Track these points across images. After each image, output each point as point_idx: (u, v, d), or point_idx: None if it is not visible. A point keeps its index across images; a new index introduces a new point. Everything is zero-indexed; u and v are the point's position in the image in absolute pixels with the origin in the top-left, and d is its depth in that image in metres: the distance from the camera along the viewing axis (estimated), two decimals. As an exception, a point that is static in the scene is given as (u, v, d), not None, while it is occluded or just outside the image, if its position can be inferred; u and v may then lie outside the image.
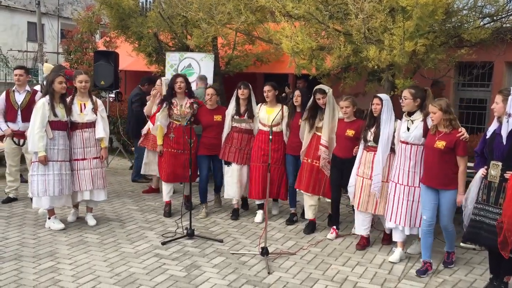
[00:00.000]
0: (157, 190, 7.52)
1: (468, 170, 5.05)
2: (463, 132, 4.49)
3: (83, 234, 5.56)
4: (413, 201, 4.89)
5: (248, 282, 4.42)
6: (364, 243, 5.36)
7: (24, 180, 7.26)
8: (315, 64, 6.14)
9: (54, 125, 5.57)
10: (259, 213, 6.29)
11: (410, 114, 4.88)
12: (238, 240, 5.53)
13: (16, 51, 24.44)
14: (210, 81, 8.06)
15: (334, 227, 5.72)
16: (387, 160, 5.11)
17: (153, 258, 4.90)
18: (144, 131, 7.60)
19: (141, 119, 7.91)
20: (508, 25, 6.54)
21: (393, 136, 5.05)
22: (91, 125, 5.82)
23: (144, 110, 7.61)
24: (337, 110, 5.62)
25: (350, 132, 5.42)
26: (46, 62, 14.08)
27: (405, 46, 5.16)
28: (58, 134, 5.60)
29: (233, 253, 5.10)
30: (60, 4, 27.76)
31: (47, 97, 5.56)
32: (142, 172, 7.80)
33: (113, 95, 12.76)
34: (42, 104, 5.50)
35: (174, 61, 8.39)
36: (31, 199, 5.79)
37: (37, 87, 7.30)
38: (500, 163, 4.00)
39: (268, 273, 4.62)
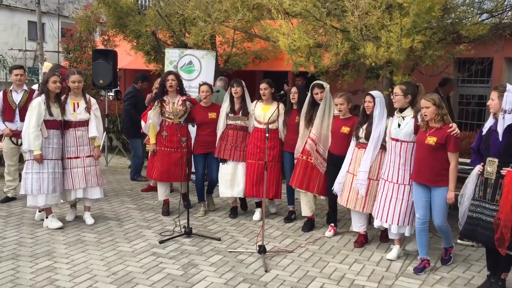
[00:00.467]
0: (156, 189, 7.50)
1: (465, 167, 5.05)
2: (454, 128, 4.46)
3: (81, 233, 5.56)
4: (402, 199, 4.83)
5: (245, 280, 4.41)
6: (361, 241, 5.35)
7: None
8: (312, 61, 6.12)
9: (49, 124, 5.59)
10: (257, 211, 6.28)
11: (401, 110, 4.85)
12: (236, 238, 5.52)
13: (16, 50, 24.46)
14: (211, 79, 8.06)
15: (332, 224, 5.71)
16: (378, 158, 5.08)
17: (150, 257, 4.89)
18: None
19: (134, 117, 7.98)
20: (506, 20, 6.51)
21: (385, 134, 5.02)
22: (84, 123, 5.83)
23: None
24: (333, 107, 5.60)
25: (345, 129, 5.40)
26: (45, 61, 14.06)
27: (402, 43, 5.13)
28: (53, 133, 5.63)
29: (230, 252, 5.10)
30: (60, 3, 27.76)
31: (43, 96, 5.57)
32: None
33: (112, 94, 12.77)
34: (38, 103, 5.50)
35: (174, 58, 8.36)
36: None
37: (35, 86, 7.30)
38: (496, 160, 3.98)
39: (265, 271, 4.61)
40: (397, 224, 4.87)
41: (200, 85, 6.33)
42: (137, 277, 4.42)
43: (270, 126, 5.83)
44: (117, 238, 5.44)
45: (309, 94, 5.72)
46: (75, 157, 5.79)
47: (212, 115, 6.23)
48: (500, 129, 3.90)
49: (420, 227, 4.69)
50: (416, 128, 4.71)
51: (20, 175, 7.17)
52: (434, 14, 5.09)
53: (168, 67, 8.33)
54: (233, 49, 9.07)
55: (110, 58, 9.16)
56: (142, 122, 6.40)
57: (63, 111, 5.70)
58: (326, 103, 5.60)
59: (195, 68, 8.26)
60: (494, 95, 4.01)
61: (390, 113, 5.14)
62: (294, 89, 6.01)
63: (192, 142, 6.46)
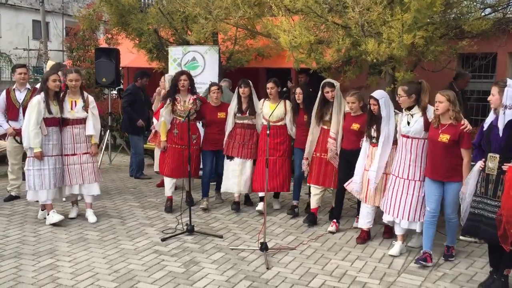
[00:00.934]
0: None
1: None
2: (466, 125, 4.48)
3: (83, 231, 5.58)
4: (412, 195, 4.86)
5: (247, 277, 4.41)
6: (364, 237, 5.35)
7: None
8: (314, 58, 6.10)
9: (49, 121, 5.66)
10: (261, 204, 6.31)
11: (409, 108, 4.86)
12: (238, 236, 5.52)
13: (21, 49, 24.56)
14: (215, 74, 8.06)
15: (335, 220, 5.71)
16: (393, 154, 5.11)
17: (152, 255, 4.90)
18: (153, 128, 7.65)
19: (131, 115, 8.10)
20: (510, 15, 6.46)
21: (395, 130, 5.05)
22: (82, 121, 5.88)
23: (153, 108, 7.71)
24: (343, 104, 5.69)
25: (355, 126, 5.48)
26: (49, 60, 14.11)
27: (403, 38, 5.11)
28: (52, 130, 5.70)
29: (232, 249, 5.10)
30: (65, 2, 27.85)
31: (42, 94, 5.61)
32: (154, 169, 7.91)
33: (115, 92, 12.80)
34: (37, 102, 5.55)
35: (177, 55, 8.35)
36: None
37: (38, 85, 7.32)
38: (497, 155, 3.95)
39: (267, 268, 4.61)
40: (408, 220, 4.89)
41: (210, 85, 6.53)
42: (139, 274, 4.43)
43: (279, 123, 6.18)
44: (120, 236, 5.45)
45: (319, 92, 5.79)
46: (72, 154, 5.85)
47: (221, 114, 6.43)
48: (500, 125, 3.88)
49: (429, 220, 4.71)
50: (426, 125, 4.73)
51: (23, 173, 7.23)
52: (435, 9, 5.06)
53: (172, 65, 8.32)
54: (235, 47, 9.05)
55: (113, 57, 9.16)
56: (154, 120, 6.60)
57: (61, 109, 5.73)
58: (337, 100, 5.69)
59: (199, 64, 8.26)
60: (494, 90, 3.99)
61: (397, 109, 5.16)
62: (298, 90, 6.13)
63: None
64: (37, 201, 5.81)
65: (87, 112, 5.87)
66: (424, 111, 4.77)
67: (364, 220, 5.36)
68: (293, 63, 6.37)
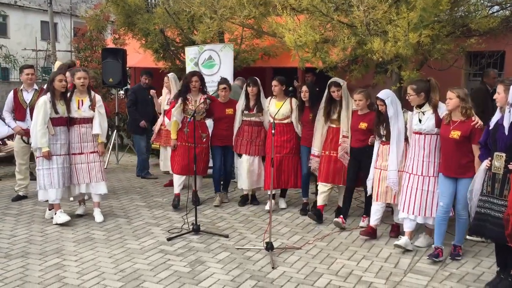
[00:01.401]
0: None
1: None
2: (477, 121, 4.48)
3: (90, 231, 5.61)
4: (427, 190, 4.89)
5: (252, 277, 4.41)
6: (369, 231, 5.36)
7: (34, 178, 7.32)
8: (319, 57, 6.09)
9: (56, 121, 5.70)
10: (269, 202, 6.32)
11: (420, 106, 4.87)
12: (244, 235, 5.52)
13: (30, 50, 24.72)
14: (230, 72, 8.10)
15: (342, 216, 5.72)
16: (405, 151, 5.14)
17: (158, 254, 4.91)
18: (156, 128, 7.69)
19: (133, 114, 8.19)
20: (517, 13, 6.41)
21: (405, 128, 5.07)
22: (89, 120, 5.91)
23: (156, 108, 7.73)
24: (351, 103, 5.72)
25: (363, 125, 5.52)
26: (56, 60, 14.19)
27: (409, 37, 5.08)
28: (60, 129, 5.75)
29: (238, 248, 5.10)
30: (73, 3, 27.99)
31: (48, 94, 5.65)
32: (161, 169, 7.97)
33: (122, 92, 12.85)
34: (43, 102, 5.59)
35: (194, 55, 8.36)
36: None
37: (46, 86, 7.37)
38: (503, 154, 3.92)
39: (272, 268, 4.60)
40: (424, 215, 4.91)
41: (219, 83, 6.63)
42: (144, 274, 4.44)
43: (285, 120, 6.26)
44: (126, 235, 5.47)
45: (326, 91, 5.82)
46: (79, 153, 5.88)
47: (229, 111, 6.56)
48: (506, 123, 3.85)
49: (441, 215, 4.72)
50: (438, 122, 4.75)
51: (31, 173, 7.30)
52: (441, 7, 5.04)
53: (189, 65, 8.33)
54: (241, 46, 9.05)
55: (119, 57, 9.20)
56: (166, 119, 6.80)
57: (68, 108, 5.76)
58: (345, 99, 5.73)
59: (215, 63, 8.27)
60: (500, 88, 3.96)
61: (405, 107, 5.16)
62: (304, 88, 6.17)
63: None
64: (47, 200, 5.83)
65: (94, 111, 5.90)
66: (435, 109, 4.78)
67: (373, 217, 5.37)
68: (298, 63, 6.36)
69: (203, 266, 4.64)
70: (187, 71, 8.27)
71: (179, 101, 6.41)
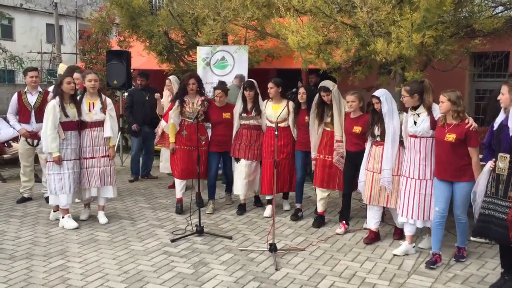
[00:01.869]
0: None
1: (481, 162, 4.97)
2: (471, 123, 4.42)
3: (94, 232, 5.62)
4: (425, 194, 4.83)
5: (255, 278, 4.41)
6: (372, 237, 5.32)
7: (38, 180, 7.37)
8: (323, 58, 6.08)
9: (66, 125, 5.66)
10: (268, 208, 6.30)
11: (415, 108, 4.83)
12: (247, 237, 5.52)
13: (35, 52, 24.84)
14: (245, 73, 8.07)
15: (344, 222, 5.68)
16: (398, 154, 5.08)
17: (161, 256, 4.92)
18: (159, 131, 7.70)
19: (128, 116, 8.26)
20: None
21: (401, 130, 5.01)
22: (100, 124, 5.89)
23: (157, 111, 7.76)
24: (343, 106, 5.61)
25: (357, 129, 5.43)
26: (61, 62, 14.27)
27: (412, 38, 5.07)
28: (71, 134, 5.70)
29: (241, 250, 5.10)
30: (79, 6, 28.11)
31: (57, 98, 5.63)
32: (161, 170, 8.00)
33: (127, 94, 12.87)
34: (52, 106, 5.58)
35: (206, 55, 8.36)
36: (46, 198, 5.87)
37: (50, 88, 7.40)
38: (508, 155, 3.90)
39: (276, 269, 4.60)
40: (423, 219, 4.87)
41: (215, 88, 6.50)
42: (148, 276, 4.45)
43: (282, 124, 6.00)
44: (130, 237, 5.48)
45: (317, 95, 5.72)
46: (91, 157, 5.86)
47: (226, 115, 6.38)
48: (510, 124, 3.83)
49: (438, 221, 4.67)
50: (433, 124, 4.69)
51: (36, 175, 7.33)
52: (445, 8, 5.03)
53: (200, 65, 8.34)
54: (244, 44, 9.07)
55: (124, 59, 9.22)
56: (163, 122, 6.60)
57: (79, 111, 5.76)
58: (336, 103, 5.61)
59: (228, 63, 8.26)
60: (504, 89, 3.94)
61: (403, 108, 5.12)
62: (302, 90, 6.05)
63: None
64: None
65: (105, 114, 5.91)
66: (429, 110, 4.74)
67: (372, 220, 5.33)
68: (301, 64, 6.35)
69: (206, 267, 4.65)
70: (198, 71, 8.30)
71: (176, 103, 6.32)
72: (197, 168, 6.12)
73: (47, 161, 5.76)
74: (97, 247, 5.16)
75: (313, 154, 5.93)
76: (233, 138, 6.37)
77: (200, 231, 5.49)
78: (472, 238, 4.97)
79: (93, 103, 5.86)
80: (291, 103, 6.17)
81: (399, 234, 5.40)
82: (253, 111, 6.24)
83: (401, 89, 5.89)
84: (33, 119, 6.89)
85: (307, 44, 5.70)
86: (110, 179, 5.96)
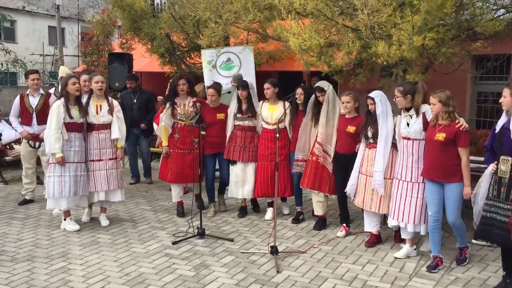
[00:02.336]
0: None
1: (481, 165, 4.97)
2: (461, 123, 4.41)
3: (96, 235, 5.63)
4: (417, 197, 4.80)
5: (257, 281, 4.41)
6: (373, 240, 5.31)
7: (40, 182, 7.39)
8: (324, 61, 6.08)
9: (70, 126, 5.64)
10: (269, 211, 6.28)
11: (408, 109, 4.83)
12: (248, 239, 5.52)
13: (37, 55, 24.89)
14: (252, 74, 8.00)
15: (344, 225, 5.67)
16: (391, 157, 5.05)
17: (163, 258, 4.93)
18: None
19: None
20: (524, 16, 6.38)
21: (394, 132, 5.00)
22: (107, 126, 5.87)
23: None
24: (338, 107, 5.58)
25: (351, 129, 5.39)
26: (62, 65, 14.31)
27: (413, 40, 5.07)
28: (74, 135, 5.67)
29: (243, 252, 5.10)
30: (81, 8, 28.17)
31: (62, 99, 5.64)
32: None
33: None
34: (57, 107, 5.58)
35: (211, 58, 8.35)
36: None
37: (51, 90, 7.43)
38: (510, 158, 3.90)
39: (277, 272, 4.60)
40: (413, 223, 4.83)
41: (208, 88, 6.42)
42: (149, 278, 4.46)
43: (279, 125, 5.84)
44: (131, 239, 5.49)
45: (313, 95, 5.71)
46: (98, 160, 5.84)
47: (220, 115, 6.28)
48: (512, 127, 3.83)
49: (432, 224, 4.65)
50: (425, 125, 4.69)
51: (37, 177, 7.34)
52: (446, 10, 5.03)
53: (206, 68, 8.32)
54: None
55: (126, 61, 9.25)
56: (155, 125, 6.47)
57: (84, 113, 5.74)
58: (329, 103, 5.57)
59: (234, 64, 8.22)
60: (506, 92, 3.94)
61: (398, 111, 5.11)
62: (299, 91, 5.95)
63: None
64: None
65: (112, 116, 5.90)
66: (418, 112, 4.73)
67: (370, 224, 5.32)
68: (303, 66, 6.35)
69: (208, 270, 4.65)
70: (204, 74, 8.28)
71: (167, 105, 6.20)
72: (191, 171, 6.10)
73: (48, 163, 5.75)
74: (99, 249, 5.17)
75: (301, 155, 5.85)
76: (227, 139, 6.26)
77: (201, 234, 5.49)
78: (473, 241, 4.97)
79: (100, 105, 5.85)
80: (287, 104, 6.09)
81: (399, 237, 5.36)
82: (248, 112, 6.15)
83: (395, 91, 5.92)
84: (34, 121, 6.91)
85: (308, 46, 5.69)
86: (117, 183, 5.93)
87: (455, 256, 4.88)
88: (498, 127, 4.08)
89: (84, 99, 5.83)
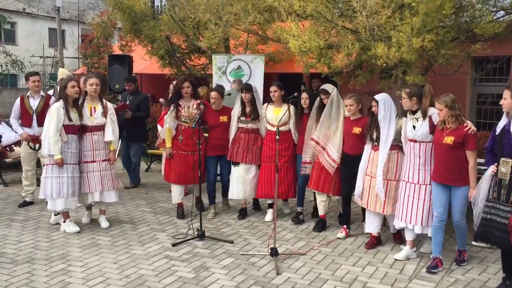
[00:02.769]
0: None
1: (481, 167, 4.97)
2: (469, 126, 4.43)
3: (96, 237, 5.63)
4: (424, 199, 4.81)
5: (256, 283, 4.41)
6: (373, 242, 5.31)
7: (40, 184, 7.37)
8: (324, 62, 6.09)
9: (68, 129, 5.66)
10: (269, 212, 6.29)
11: (414, 112, 4.83)
12: (248, 241, 5.52)
13: (38, 57, 24.90)
14: (260, 83, 8.02)
15: (345, 226, 5.68)
16: (395, 158, 5.06)
17: (162, 260, 4.92)
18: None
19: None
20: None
21: (400, 134, 5.01)
22: (101, 128, 5.89)
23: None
24: (342, 109, 5.61)
25: (356, 130, 5.43)
26: (62, 67, 14.32)
27: (412, 42, 5.08)
28: (72, 137, 5.70)
29: (242, 254, 5.10)
30: (81, 10, 28.20)
31: (61, 101, 5.64)
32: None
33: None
34: (56, 109, 5.58)
35: (222, 63, 8.35)
36: (47, 202, 5.85)
37: (50, 92, 7.44)
38: (510, 160, 3.90)
39: (277, 273, 4.60)
40: (421, 225, 4.84)
41: (210, 90, 6.43)
42: (149, 280, 4.45)
43: (282, 128, 5.97)
44: (131, 241, 5.48)
45: (318, 98, 5.75)
46: (91, 161, 5.85)
47: (223, 118, 6.32)
48: (513, 129, 3.83)
49: (437, 225, 4.66)
50: (432, 128, 4.68)
51: (37, 179, 7.33)
52: (444, 12, 5.04)
53: (216, 73, 8.34)
54: (246, 52, 9.09)
55: (126, 63, 9.26)
56: (159, 127, 6.53)
57: (81, 116, 5.77)
58: (332, 105, 5.60)
59: (244, 73, 8.25)
60: (506, 94, 3.94)
61: (403, 114, 5.10)
62: (305, 95, 6.02)
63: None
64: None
65: (106, 118, 5.91)
66: (425, 115, 4.74)
67: (372, 225, 5.32)
68: (302, 68, 6.36)
69: (207, 272, 4.65)
70: (213, 79, 8.30)
71: (171, 107, 6.26)
72: (194, 173, 6.11)
73: (45, 164, 5.76)
74: (99, 251, 5.17)
75: (308, 158, 5.89)
76: (230, 141, 6.30)
77: (201, 235, 5.49)
78: (473, 243, 4.97)
79: (95, 107, 5.87)
80: (292, 107, 6.14)
81: (400, 238, 5.39)
82: (252, 115, 6.19)
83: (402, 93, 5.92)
84: (35, 123, 6.90)
85: (308, 48, 5.71)
86: (111, 183, 5.95)
87: (454, 257, 4.88)
88: (498, 129, 4.09)
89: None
